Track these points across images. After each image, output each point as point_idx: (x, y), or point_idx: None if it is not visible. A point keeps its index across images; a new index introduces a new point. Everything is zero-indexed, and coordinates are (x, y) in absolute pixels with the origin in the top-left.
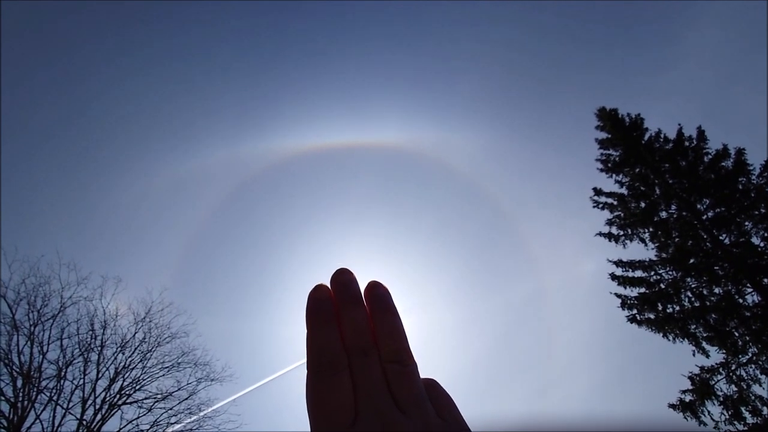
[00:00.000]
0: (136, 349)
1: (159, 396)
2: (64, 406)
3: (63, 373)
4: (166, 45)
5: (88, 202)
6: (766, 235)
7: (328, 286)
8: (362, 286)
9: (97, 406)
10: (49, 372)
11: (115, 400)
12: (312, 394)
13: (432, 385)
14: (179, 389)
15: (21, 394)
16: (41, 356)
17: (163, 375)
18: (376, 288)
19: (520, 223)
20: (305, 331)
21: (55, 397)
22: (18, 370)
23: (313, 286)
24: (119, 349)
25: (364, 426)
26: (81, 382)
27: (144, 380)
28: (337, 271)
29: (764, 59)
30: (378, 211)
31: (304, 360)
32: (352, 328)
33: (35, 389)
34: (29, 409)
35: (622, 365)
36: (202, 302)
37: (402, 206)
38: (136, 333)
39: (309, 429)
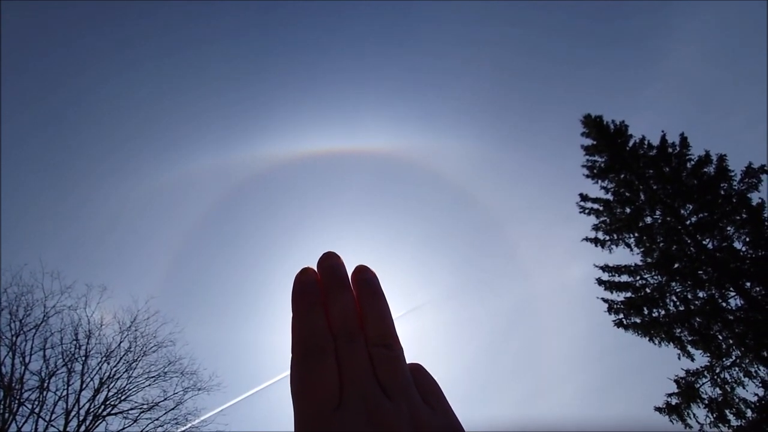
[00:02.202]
0: (121, 358)
1: (145, 406)
2: (47, 418)
3: (46, 384)
4: (151, 47)
5: (72, 209)
6: (747, 239)
7: (315, 269)
8: (350, 271)
9: (81, 418)
10: (31, 383)
11: (100, 411)
12: (297, 378)
13: (418, 369)
14: (166, 399)
15: (2, 407)
16: (23, 367)
17: (149, 385)
18: (363, 272)
19: (508, 228)
20: (291, 315)
21: (37, 409)
22: None
23: (299, 270)
24: (104, 358)
25: (348, 411)
26: (64, 393)
27: (129, 390)
28: (324, 254)
29: (749, 67)
30: (367, 219)
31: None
32: (339, 313)
33: (17, 401)
34: (10, 421)
35: (610, 369)
36: (189, 310)
37: (391, 213)
38: (121, 342)
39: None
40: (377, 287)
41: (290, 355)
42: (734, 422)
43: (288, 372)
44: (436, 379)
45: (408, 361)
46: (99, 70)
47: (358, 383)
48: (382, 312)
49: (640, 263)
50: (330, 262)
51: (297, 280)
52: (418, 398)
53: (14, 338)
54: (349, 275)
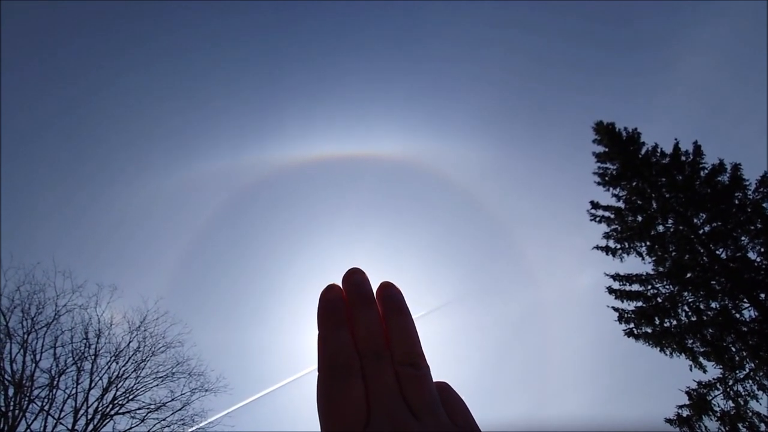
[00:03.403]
0: (130, 358)
1: (152, 406)
2: (56, 416)
3: (55, 382)
4: (162, 48)
5: (84, 209)
6: (762, 250)
7: (340, 286)
8: (374, 287)
9: (89, 416)
10: (41, 381)
11: (108, 410)
12: (324, 397)
13: (445, 388)
14: (173, 400)
15: (12, 404)
16: (34, 365)
17: (157, 385)
18: (388, 288)
19: (517, 235)
20: (317, 332)
21: (46, 407)
22: (9, 378)
23: (325, 286)
24: (113, 358)
25: (375, 430)
26: (73, 391)
27: (137, 390)
28: (349, 270)
29: (763, 75)
30: (375, 224)
31: (299, 373)
32: (365, 331)
33: (27, 398)
34: (20, 418)
35: (619, 378)
36: (198, 312)
37: (400, 218)
38: (130, 342)
39: None
40: (403, 304)
41: (316, 374)
42: None
43: (294, 376)
44: (463, 398)
45: (435, 380)
46: (110, 70)
47: (384, 403)
48: (408, 330)
49: (651, 272)
50: (355, 278)
51: (322, 297)
52: (445, 417)
53: (26, 336)
54: (374, 291)
